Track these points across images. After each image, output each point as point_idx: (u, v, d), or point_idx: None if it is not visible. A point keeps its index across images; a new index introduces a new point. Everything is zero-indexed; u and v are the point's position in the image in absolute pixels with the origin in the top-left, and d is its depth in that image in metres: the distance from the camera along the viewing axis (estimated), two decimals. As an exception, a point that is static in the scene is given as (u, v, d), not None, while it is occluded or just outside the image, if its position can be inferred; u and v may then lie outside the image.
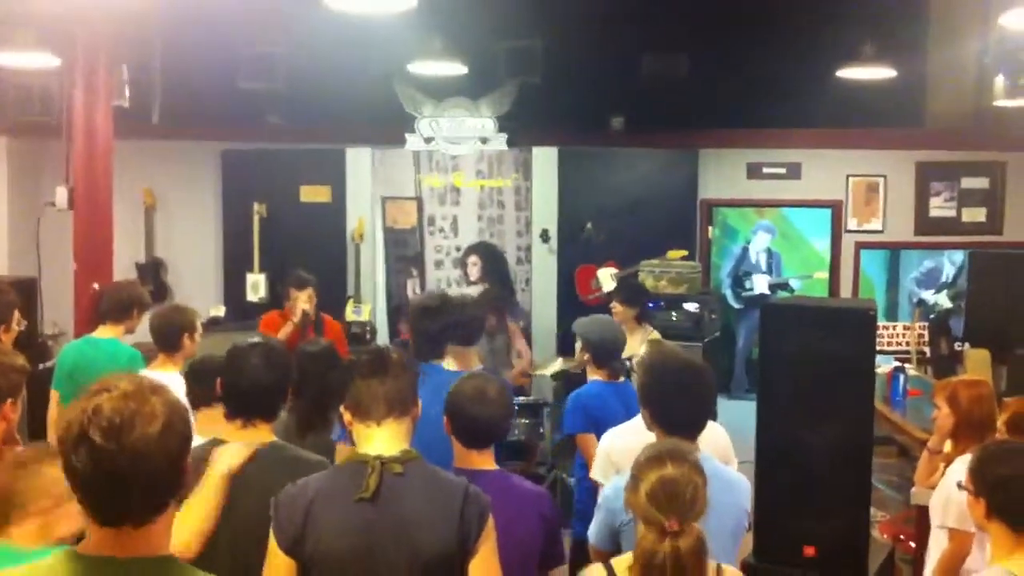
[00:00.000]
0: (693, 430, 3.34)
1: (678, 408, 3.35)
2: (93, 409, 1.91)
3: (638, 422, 3.97)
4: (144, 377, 2.03)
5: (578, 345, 5.20)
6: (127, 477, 1.88)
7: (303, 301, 6.63)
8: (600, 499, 3.41)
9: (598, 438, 4.68)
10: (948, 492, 3.90)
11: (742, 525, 3.34)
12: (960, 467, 3.79)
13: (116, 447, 1.87)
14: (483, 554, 2.76)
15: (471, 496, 2.78)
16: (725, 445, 3.95)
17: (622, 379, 5.03)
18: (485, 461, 3.34)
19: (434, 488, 2.76)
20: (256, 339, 3.45)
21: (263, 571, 2.71)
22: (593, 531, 3.37)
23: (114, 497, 1.91)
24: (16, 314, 4.60)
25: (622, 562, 2.73)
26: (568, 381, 7.78)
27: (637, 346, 6.78)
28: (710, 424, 3.76)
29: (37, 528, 2.64)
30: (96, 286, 6.49)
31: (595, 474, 4.03)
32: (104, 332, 5.39)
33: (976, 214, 9.67)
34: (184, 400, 2.13)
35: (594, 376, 5.04)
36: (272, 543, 2.71)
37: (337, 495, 2.71)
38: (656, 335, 7.05)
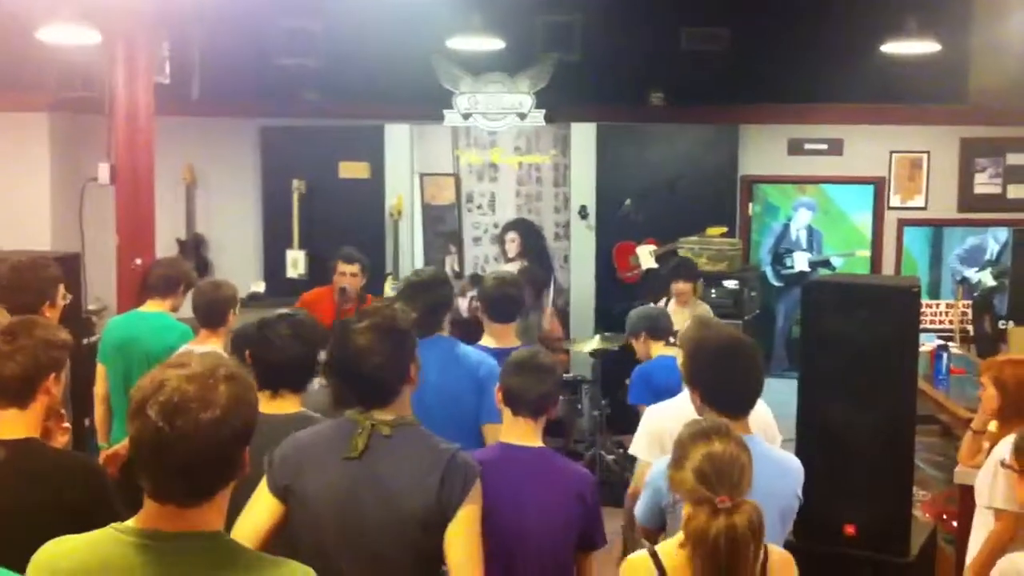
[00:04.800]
0: (744, 408, 3.29)
1: (727, 387, 3.29)
2: (158, 383, 1.92)
3: (682, 399, 3.95)
4: (223, 361, 2.02)
5: (633, 339, 5.87)
6: (172, 458, 1.90)
7: (344, 274, 6.65)
8: (647, 477, 3.39)
9: None
10: (994, 472, 3.85)
11: (791, 508, 3.25)
12: (1006, 447, 3.75)
13: (166, 426, 1.88)
14: (461, 519, 2.72)
15: (457, 461, 2.77)
16: (768, 422, 3.85)
17: None
18: (531, 436, 3.33)
19: (420, 451, 2.77)
20: (285, 311, 3.49)
21: (244, 510, 2.75)
22: (640, 509, 3.35)
23: (158, 474, 1.93)
24: (61, 289, 4.62)
25: (667, 547, 2.70)
26: (607, 359, 7.79)
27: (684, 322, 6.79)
28: None
29: None
30: (139, 262, 6.55)
31: (635, 450, 4.01)
32: (151, 307, 5.42)
33: (1021, 191, 9.52)
34: None
35: (660, 352, 5.62)
36: (263, 485, 2.78)
37: (326, 451, 2.78)
38: (705, 307, 7.22)
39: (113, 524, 2.01)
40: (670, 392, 4.51)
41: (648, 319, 5.85)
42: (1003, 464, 3.57)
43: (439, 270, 5.19)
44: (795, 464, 3.33)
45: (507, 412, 3.35)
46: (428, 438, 2.83)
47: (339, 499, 2.72)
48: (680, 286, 7.47)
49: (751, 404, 3.33)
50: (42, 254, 5.71)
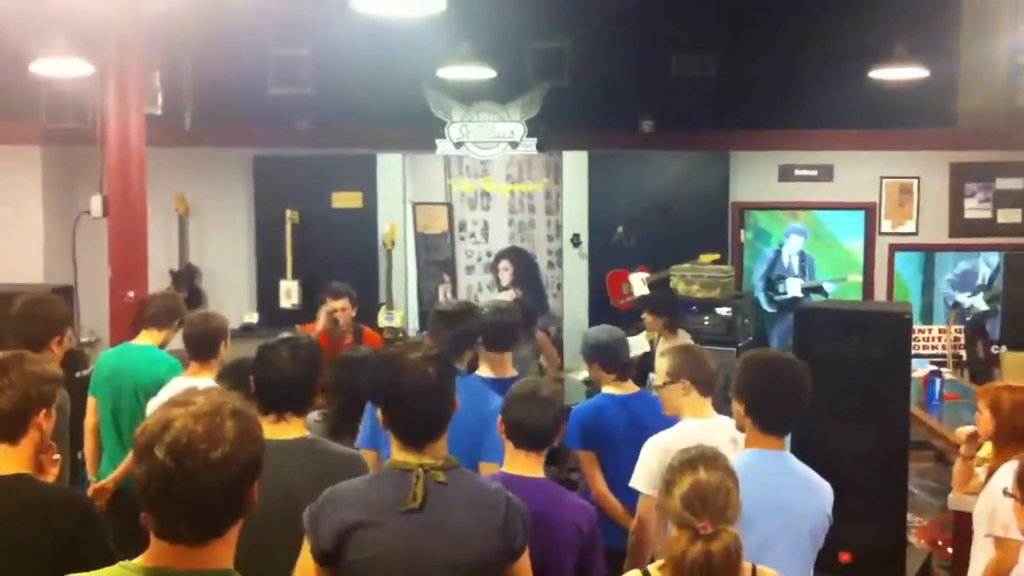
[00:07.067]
0: (785, 428, 3.40)
1: (776, 404, 3.35)
2: (164, 423, 1.90)
3: (679, 430, 3.95)
4: (228, 396, 2.01)
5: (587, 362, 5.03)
6: (181, 498, 1.88)
7: (335, 310, 6.60)
8: None
9: (598, 455, 4.65)
10: (995, 500, 3.82)
11: (822, 527, 3.32)
12: (1007, 474, 3.72)
13: (175, 467, 1.86)
14: (523, 560, 2.80)
15: (512, 502, 2.80)
16: None
17: (634, 387, 4.89)
18: (533, 467, 3.33)
19: (477, 497, 2.77)
20: (286, 335, 3.52)
21: (293, 572, 2.72)
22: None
23: (167, 514, 1.92)
24: (69, 330, 4.60)
25: (658, 567, 2.72)
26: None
27: None
28: None
29: None
30: (131, 294, 6.53)
31: (636, 483, 3.99)
32: (144, 339, 5.41)
33: (1011, 215, 9.57)
34: None
35: (607, 387, 4.82)
36: (305, 549, 2.71)
37: (382, 504, 2.71)
38: (688, 340, 6.96)
39: (122, 562, 1.99)
40: (610, 439, 4.47)
41: (602, 348, 4.83)
42: (1005, 492, 3.55)
43: (466, 302, 5.14)
44: (824, 484, 3.40)
45: (509, 444, 3.35)
46: (475, 479, 2.86)
47: (403, 552, 2.66)
48: (645, 318, 7.25)
49: (792, 425, 3.44)
50: (42, 288, 5.71)
